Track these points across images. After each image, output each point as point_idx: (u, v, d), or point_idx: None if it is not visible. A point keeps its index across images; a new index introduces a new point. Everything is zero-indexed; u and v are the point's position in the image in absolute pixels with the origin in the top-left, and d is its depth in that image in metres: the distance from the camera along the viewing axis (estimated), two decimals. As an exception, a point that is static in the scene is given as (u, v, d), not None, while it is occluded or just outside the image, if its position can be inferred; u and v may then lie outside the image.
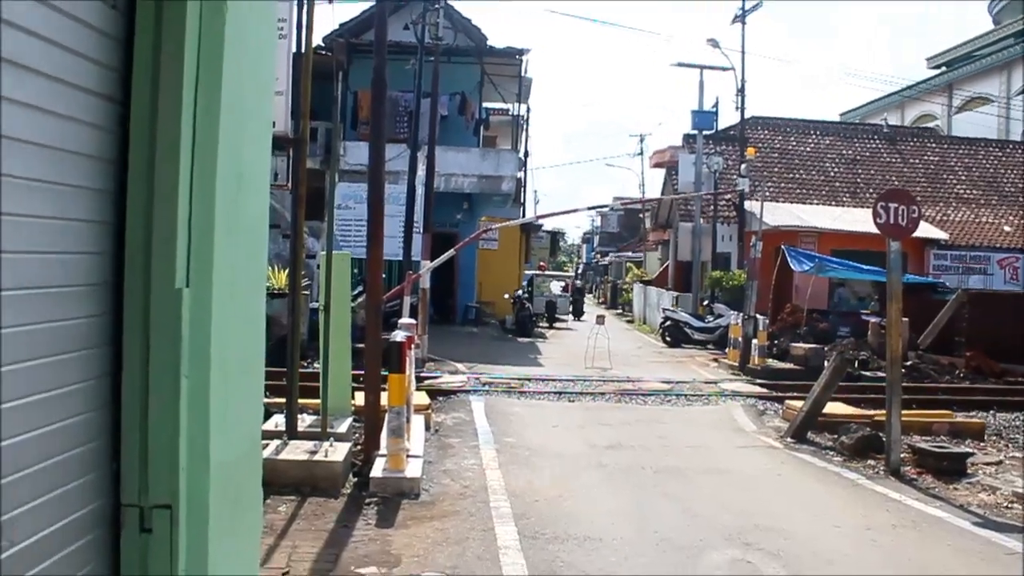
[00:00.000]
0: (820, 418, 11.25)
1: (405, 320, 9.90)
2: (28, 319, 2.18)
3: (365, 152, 12.96)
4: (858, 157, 33.00)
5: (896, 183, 29.69)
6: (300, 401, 9.95)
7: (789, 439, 11.02)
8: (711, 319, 24.93)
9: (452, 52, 23.79)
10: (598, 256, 70.57)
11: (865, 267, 23.12)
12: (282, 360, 8.51)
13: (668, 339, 25.19)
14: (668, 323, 25.58)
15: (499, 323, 27.34)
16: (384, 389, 8.29)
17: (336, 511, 7.11)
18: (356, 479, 8.00)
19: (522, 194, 33.92)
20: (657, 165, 38.99)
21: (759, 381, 16.67)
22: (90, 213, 2.47)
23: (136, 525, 2.61)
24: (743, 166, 25.16)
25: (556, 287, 36.63)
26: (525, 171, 33.34)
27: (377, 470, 7.80)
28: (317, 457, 7.80)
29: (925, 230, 27.23)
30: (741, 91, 28.58)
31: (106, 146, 2.56)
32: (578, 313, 35.86)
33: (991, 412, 14.17)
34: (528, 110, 32.74)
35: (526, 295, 28.49)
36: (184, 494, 2.62)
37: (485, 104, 28.64)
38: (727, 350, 20.64)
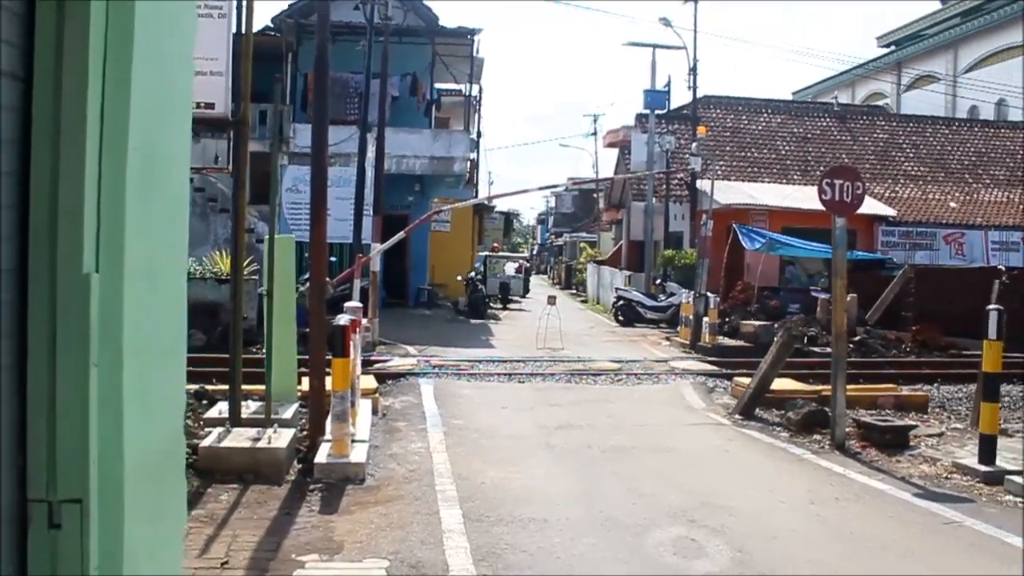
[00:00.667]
0: (768, 394, 11.34)
1: (351, 304, 9.79)
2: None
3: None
4: (809, 135, 33.29)
5: (846, 161, 29.99)
6: (248, 388, 9.86)
7: (737, 416, 11.09)
8: (663, 298, 25.04)
9: (403, 32, 23.55)
10: (553, 237, 70.64)
11: (814, 245, 23.37)
12: (229, 347, 8.39)
13: (621, 318, 25.26)
14: (621, 302, 25.65)
15: (452, 305, 27.26)
16: (329, 374, 8.19)
17: (279, 498, 7.02)
18: (300, 465, 7.91)
19: (475, 176, 33.80)
20: (611, 145, 39.15)
21: (710, 359, 16.79)
22: (-9, 196, 2.37)
23: (44, 521, 2.51)
24: (694, 145, 25.31)
25: (510, 268, 36.64)
26: (478, 152, 33.20)
27: (321, 456, 7.71)
28: (260, 444, 7.69)
29: (874, 207, 27.58)
30: (693, 70, 28.69)
31: (8, 125, 2.45)
32: (525, 291, 35.79)
33: (935, 385, 14.40)
34: (481, 91, 32.60)
35: (479, 277, 28.44)
36: (95, 488, 2.53)
37: (437, 85, 28.42)
38: (679, 329, 20.76)
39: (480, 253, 36.07)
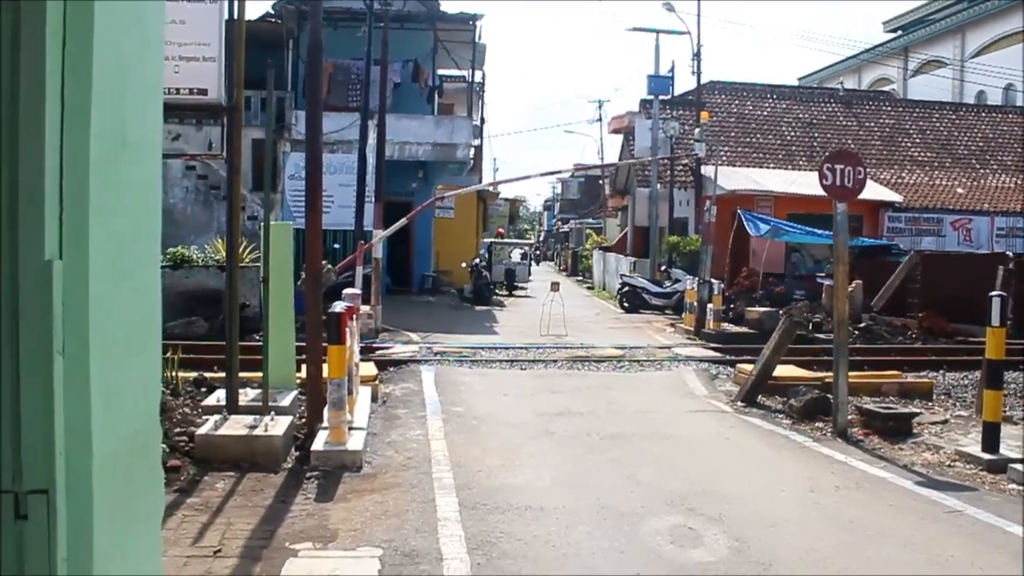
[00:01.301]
0: (771, 381, 11.26)
1: (350, 291, 9.73)
2: None
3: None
4: (815, 121, 33.14)
5: (852, 146, 29.82)
6: (248, 375, 9.82)
7: (739, 403, 11.03)
8: (668, 284, 24.96)
9: (404, 18, 23.43)
10: (559, 223, 70.54)
11: (819, 231, 23.26)
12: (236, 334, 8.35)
13: (626, 305, 25.20)
14: (626, 289, 25.58)
15: (457, 292, 27.23)
16: (326, 361, 8.14)
17: (275, 486, 6.98)
18: (298, 453, 7.87)
19: (480, 162, 33.71)
20: (616, 131, 38.96)
21: (713, 345, 16.71)
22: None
23: (11, 512, 2.46)
24: (698, 130, 25.15)
25: (516, 255, 36.53)
26: (482, 139, 33.13)
27: (318, 443, 7.67)
28: (257, 432, 7.65)
29: (880, 192, 27.45)
30: (697, 55, 28.52)
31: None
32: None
33: (941, 372, 14.31)
34: (484, 77, 32.48)
35: (484, 263, 28.38)
36: (62, 478, 2.48)
37: (440, 71, 28.30)
38: (683, 315, 20.68)
39: (485, 240, 36.00)
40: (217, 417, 8.01)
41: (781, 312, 19.06)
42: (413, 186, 26.53)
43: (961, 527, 6.42)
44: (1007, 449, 8.39)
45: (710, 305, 18.65)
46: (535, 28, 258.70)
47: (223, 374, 9.83)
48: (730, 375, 13.19)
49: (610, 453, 8.35)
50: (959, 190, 30.71)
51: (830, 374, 12.19)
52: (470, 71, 28.50)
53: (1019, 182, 31.81)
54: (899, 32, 48.62)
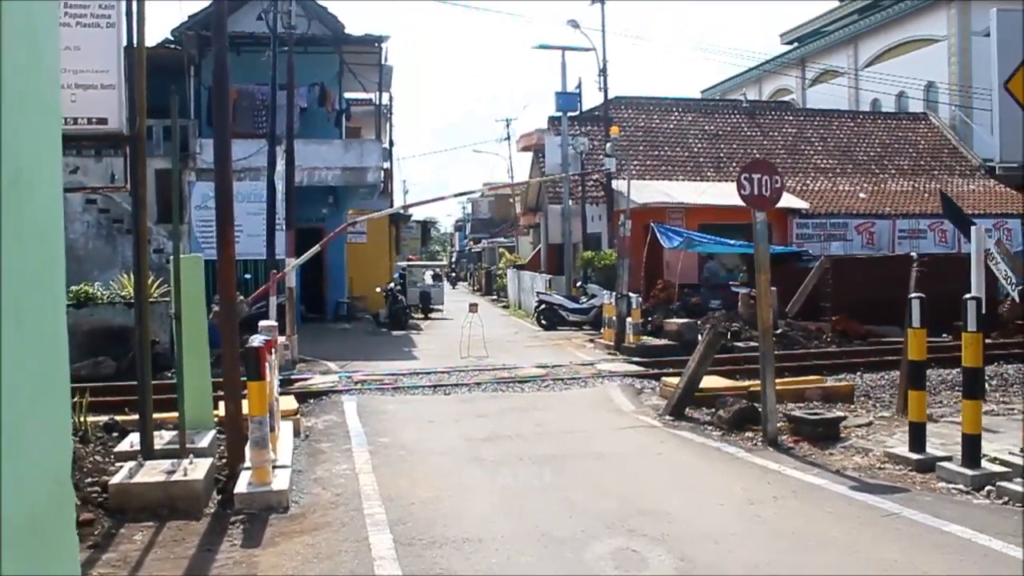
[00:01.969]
0: (697, 393, 11.25)
1: (266, 323, 9.37)
2: None
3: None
4: (720, 132, 33.70)
5: (758, 156, 30.40)
6: (161, 416, 9.38)
7: (667, 416, 10.98)
8: (585, 300, 24.98)
9: (308, 42, 23.02)
10: (471, 243, 70.43)
11: (732, 241, 23.62)
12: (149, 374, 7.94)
13: (544, 322, 25.13)
14: (543, 306, 25.51)
15: (372, 317, 26.81)
16: (246, 396, 7.78)
17: (199, 534, 6.61)
18: (220, 496, 7.50)
19: (390, 185, 33.39)
20: (525, 149, 38.97)
21: (635, 359, 16.70)
22: None
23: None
24: (608, 145, 25.33)
25: (428, 277, 36.22)
26: (392, 162, 32.85)
27: (241, 485, 7.31)
28: (175, 477, 7.26)
29: (788, 200, 27.92)
30: (603, 71, 28.74)
31: None
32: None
33: (858, 373, 14.58)
34: (391, 99, 32.21)
35: (399, 287, 28.04)
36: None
37: (347, 95, 27.94)
38: (602, 330, 20.67)
39: (399, 263, 35.64)
40: (132, 464, 7.59)
41: (700, 322, 19.37)
42: (324, 211, 26.07)
43: (900, 530, 6.41)
44: (933, 448, 8.49)
45: (629, 319, 18.66)
46: (440, 49, 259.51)
47: (135, 416, 9.35)
48: (655, 389, 13.15)
49: (543, 477, 8.17)
50: (861, 195, 31.53)
51: (754, 383, 12.25)
52: (377, 93, 28.20)
53: (915, 185, 32.82)
54: (795, 44, 49.93)
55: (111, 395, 11.95)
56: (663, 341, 18.78)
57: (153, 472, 7.41)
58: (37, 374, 2.59)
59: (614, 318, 19.26)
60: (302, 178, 22.17)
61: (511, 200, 51.26)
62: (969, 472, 7.60)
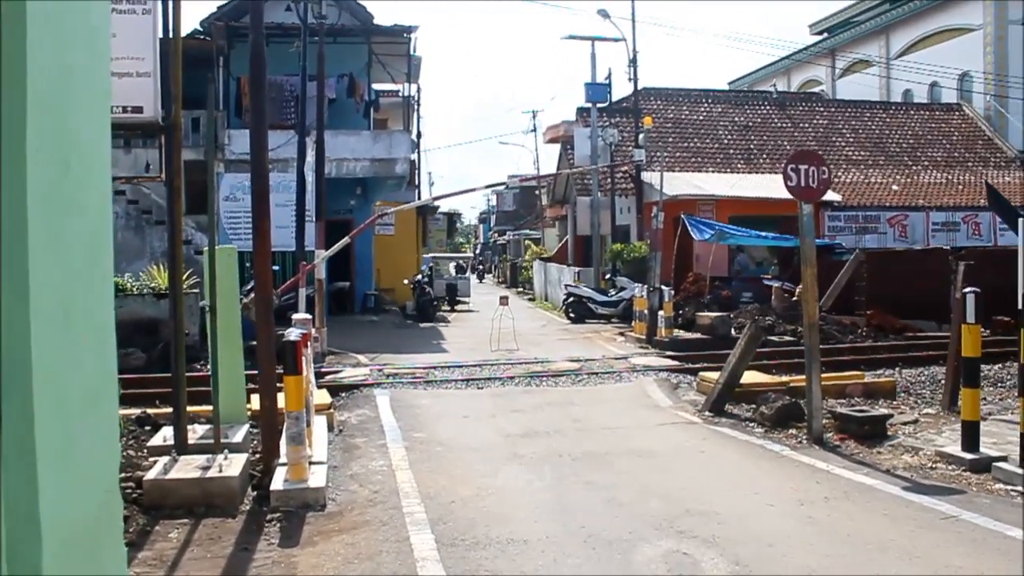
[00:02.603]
0: (737, 389, 11.01)
1: (299, 316, 9.21)
2: None
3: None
4: (750, 123, 33.30)
5: (788, 147, 30.04)
6: (194, 409, 9.26)
7: (707, 412, 10.75)
8: (614, 292, 24.76)
9: (337, 32, 22.90)
10: (496, 236, 70.20)
11: (764, 233, 23.30)
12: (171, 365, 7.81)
13: (572, 315, 24.93)
14: (571, 299, 25.30)
15: (400, 310, 26.70)
16: (281, 390, 7.63)
17: (235, 532, 6.46)
18: (256, 493, 7.35)
19: (416, 177, 33.24)
20: (552, 140, 38.76)
21: (669, 353, 16.47)
22: None
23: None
24: (641, 136, 25.01)
25: (452, 268, 36.11)
26: (419, 153, 32.69)
27: (278, 482, 7.16)
28: (210, 473, 7.11)
29: (819, 193, 27.58)
30: (633, 62, 28.41)
31: None
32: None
33: (897, 368, 14.29)
34: (419, 90, 32.06)
35: (426, 279, 27.90)
36: (6, 568, 2.02)
37: (375, 85, 27.76)
38: (633, 323, 20.42)
39: (426, 255, 35.51)
40: (166, 459, 7.46)
41: (732, 316, 19.08)
42: (352, 203, 25.95)
43: (961, 534, 6.17)
44: (986, 447, 8.22)
45: (661, 312, 18.41)
46: (468, 40, 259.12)
47: (168, 410, 9.26)
48: (691, 384, 12.91)
49: (585, 475, 7.97)
50: (894, 187, 31.09)
51: (794, 378, 12.05)
52: (406, 84, 28.02)
53: (949, 177, 32.33)
54: (825, 34, 49.35)
55: (142, 387, 11.86)
56: (696, 335, 18.54)
57: (188, 468, 7.27)
58: (89, 376, 2.41)
59: (645, 311, 19.02)
60: (331, 169, 22.05)
61: (536, 192, 50.97)
62: (1028, 473, 7.32)
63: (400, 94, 29.78)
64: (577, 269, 29.88)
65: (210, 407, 8.44)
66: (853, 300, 20.36)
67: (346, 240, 17.00)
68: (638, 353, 16.99)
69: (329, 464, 8.08)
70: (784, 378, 12.37)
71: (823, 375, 11.76)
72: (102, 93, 2.62)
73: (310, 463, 7.54)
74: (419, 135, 32.01)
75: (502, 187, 45.00)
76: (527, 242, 52.18)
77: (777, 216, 23.90)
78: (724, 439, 9.50)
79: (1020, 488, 7.27)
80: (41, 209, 2.10)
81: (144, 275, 16.76)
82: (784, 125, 33.65)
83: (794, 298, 19.06)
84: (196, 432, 8.46)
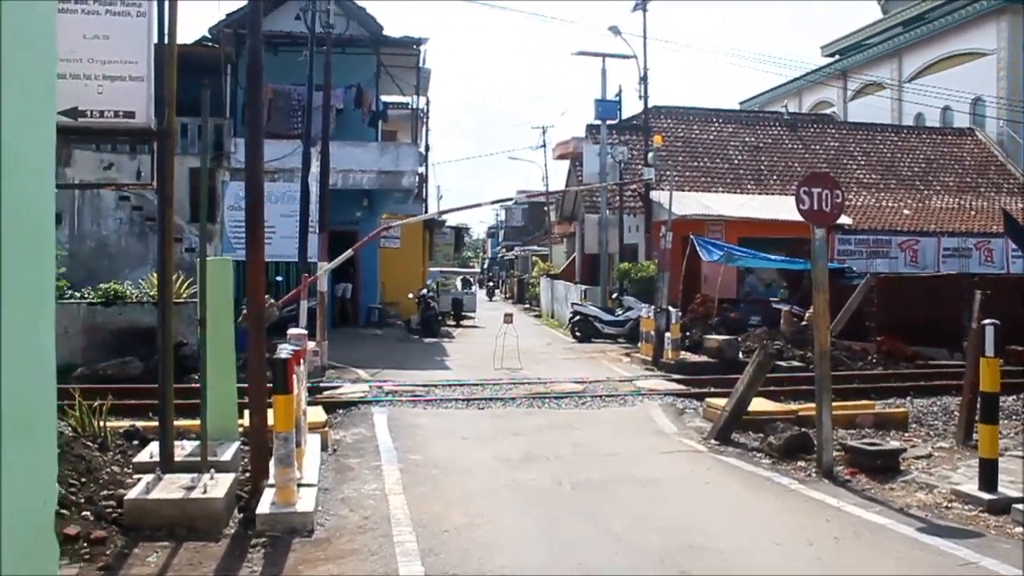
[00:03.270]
0: (744, 416, 10.69)
1: (294, 331, 8.91)
2: None
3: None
4: (760, 144, 33.07)
5: (799, 169, 29.79)
6: (186, 423, 9.00)
7: (713, 441, 10.43)
8: (621, 312, 24.46)
9: (346, 43, 22.72)
10: (503, 251, 69.94)
11: (774, 256, 23.02)
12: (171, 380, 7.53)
13: (578, 334, 24.63)
14: (577, 318, 25.01)
15: (404, 324, 26.44)
16: (271, 407, 7.33)
17: (217, 558, 6.15)
18: (241, 515, 7.05)
19: (424, 190, 33.02)
20: (561, 157, 38.57)
21: (675, 376, 16.15)
22: None
23: None
24: (650, 155, 24.74)
25: (458, 283, 35.88)
26: (427, 166, 32.47)
27: (264, 505, 6.86)
28: (194, 494, 6.81)
29: (830, 216, 27.28)
30: (644, 79, 28.17)
31: None
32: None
33: (908, 398, 13.93)
34: (428, 102, 31.87)
35: (431, 294, 27.64)
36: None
37: (383, 97, 27.58)
38: (639, 344, 20.10)
39: (432, 269, 35.27)
40: (150, 477, 7.17)
41: (740, 339, 18.75)
42: (357, 215, 25.72)
43: (980, 582, 5.84)
44: (1004, 486, 7.88)
45: (668, 334, 18.10)
46: (478, 54, 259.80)
47: (154, 423, 8.97)
48: (697, 409, 12.58)
49: (584, 504, 7.66)
50: (905, 211, 30.79)
51: (803, 406, 11.73)
52: (414, 96, 27.83)
53: (961, 203, 32.03)
54: (837, 56, 49.17)
55: (136, 398, 11.61)
56: (702, 358, 18.22)
57: (172, 487, 6.98)
58: (19, 395, 2.13)
59: (652, 332, 18.71)
60: (336, 180, 21.83)
61: (545, 208, 50.78)
62: (1051, 517, 6.99)
63: (409, 106, 29.58)
64: (584, 287, 29.60)
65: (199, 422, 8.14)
66: (863, 326, 20.01)
67: (349, 252, 16.76)
68: (644, 375, 16.67)
69: (320, 486, 7.78)
70: (793, 406, 12.06)
71: (832, 404, 11.48)
72: (44, 94, 2.34)
73: (299, 485, 7.25)
74: (427, 148, 31.80)
75: (510, 202, 44.77)
76: (535, 258, 51.94)
77: (787, 238, 23.59)
78: (729, 469, 9.17)
79: (1041, 532, 6.93)
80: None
81: (144, 282, 16.55)
82: (795, 146, 33.41)
83: (803, 322, 18.74)
84: (184, 448, 8.18)
